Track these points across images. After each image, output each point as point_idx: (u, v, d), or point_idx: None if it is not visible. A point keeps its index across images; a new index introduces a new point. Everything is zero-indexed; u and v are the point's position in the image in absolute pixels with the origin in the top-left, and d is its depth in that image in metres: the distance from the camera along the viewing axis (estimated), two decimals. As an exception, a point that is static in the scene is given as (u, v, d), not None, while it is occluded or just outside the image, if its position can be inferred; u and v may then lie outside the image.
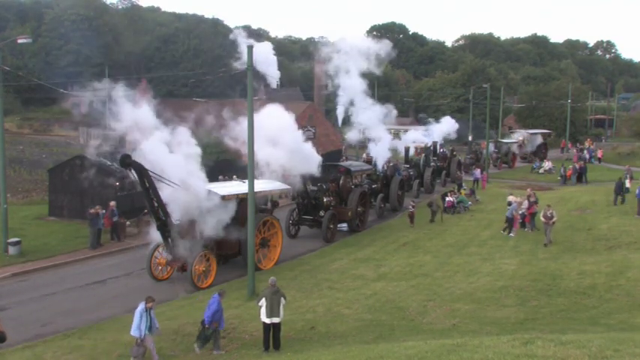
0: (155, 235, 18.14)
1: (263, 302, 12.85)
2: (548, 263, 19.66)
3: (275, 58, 27.71)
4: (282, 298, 12.85)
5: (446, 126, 44.04)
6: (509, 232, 24.04)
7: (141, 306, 12.27)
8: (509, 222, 24.27)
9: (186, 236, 18.03)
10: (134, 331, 12.17)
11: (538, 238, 23.49)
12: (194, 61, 71.60)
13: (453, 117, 47.24)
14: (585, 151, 53.86)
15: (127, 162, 16.11)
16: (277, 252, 21.31)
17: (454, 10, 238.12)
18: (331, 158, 39.29)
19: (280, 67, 28.84)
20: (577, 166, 41.57)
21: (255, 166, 18.05)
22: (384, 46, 31.46)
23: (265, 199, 22.95)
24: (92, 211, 22.84)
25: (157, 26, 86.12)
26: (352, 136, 34.04)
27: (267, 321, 12.80)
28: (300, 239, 25.38)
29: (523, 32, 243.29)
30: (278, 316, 12.75)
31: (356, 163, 31.47)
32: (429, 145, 40.58)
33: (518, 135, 55.98)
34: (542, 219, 22.04)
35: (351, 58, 30.12)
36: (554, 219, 21.74)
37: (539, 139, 55.09)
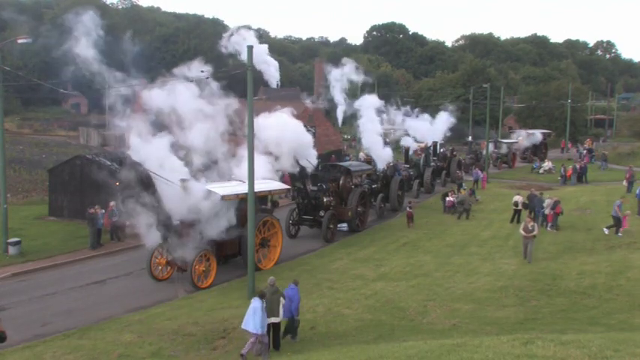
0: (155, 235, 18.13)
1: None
2: (548, 263, 19.67)
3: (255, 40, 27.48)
4: (282, 298, 12.87)
5: (444, 122, 43.61)
6: (617, 232, 22.71)
7: (257, 303, 12.27)
8: (617, 221, 22.84)
9: (186, 236, 18.01)
10: (256, 329, 12.15)
11: (547, 238, 23.52)
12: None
13: (453, 117, 46.99)
14: (584, 151, 53.97)
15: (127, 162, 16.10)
16: (277, 252, 21.29)
17: (454, 10, 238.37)
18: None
19: (280, 67, 28.81)
20: (577, 166, 41.54)
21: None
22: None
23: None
24: (91, 211, 22.84)
25: (157, 26, 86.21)
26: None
27: (267, 321, 12.81)
28: (300, 239, 25.38)
29: (523, 32, 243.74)
30: (277, 316, 12.78)
31: (356, 163, 31.47)
32: (429, 145, 40.57)
33: (518, 135, 55.90)
34: (522, 232, 19.94)
35: None
36: (535, 232, 19.82)
37: (538, 138, 54.84)
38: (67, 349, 13.34)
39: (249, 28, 27.37)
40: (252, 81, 17.03)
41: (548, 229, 24.46)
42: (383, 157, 31.90)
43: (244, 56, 17.98)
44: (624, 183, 31.63)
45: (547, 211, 24.74)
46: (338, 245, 24.38)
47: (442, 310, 15.50)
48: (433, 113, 44.96)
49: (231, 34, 25.47)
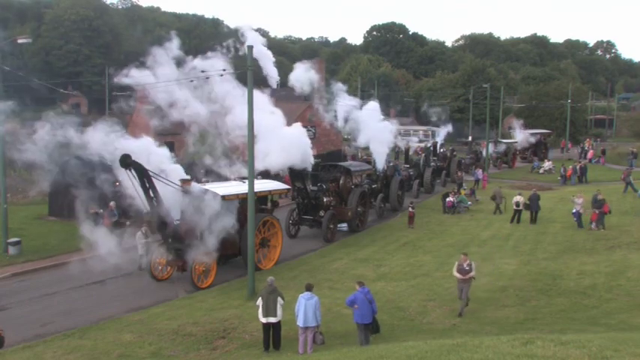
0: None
1: (260, 302, 12.86)
2: (548, 263, 19.68)
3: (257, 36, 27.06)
4: (280, 298, 12.80)
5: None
6: None
7: (315, 296, 12.53)
8: None
9: (186, 236, 18.01)
10: (318, 321, 12.41)
11: (547, 239, 23.51)
12: (194, 61, 71.79)
13: (452, 117, 46.75)
14: (584, 151, 54.07)
15: (127, 162, 16.06)
16: (277, 252, 21.28)
17: (454, 10, 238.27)
18: (331, 158, 39.26)
19: (280, 67, 28.66)
20: (577, 166, 41.52)
21: None
22: None
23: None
24: (92, 211, 22.81)
25: (156, 26, 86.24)
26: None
27: (264, 320, 12.80)
28: (300, 239, 25.37)
29: (523, 32, 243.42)
30: (274, 315, 12.72)
31: (356, 163, 31.47)
32: (428, 145, 40.57)
33: (517, 133, 55.54)
34: (457, 274, 15.07)
35: None
36: (473, 273, 15.02)
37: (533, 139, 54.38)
38: (67, 349, 13.35)
39: (249, 28, 27.11)
40: (252, 81, 17.03)
41: (593, 227, 24.23)
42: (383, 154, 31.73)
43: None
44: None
45: (575, 211, 24.88)
46: (338, 245, 24.38)
47: (442, 310, 15.50)
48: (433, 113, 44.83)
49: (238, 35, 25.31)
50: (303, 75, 26.90)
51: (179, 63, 20.00)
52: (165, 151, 18.59)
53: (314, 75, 27.16)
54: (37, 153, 17.18)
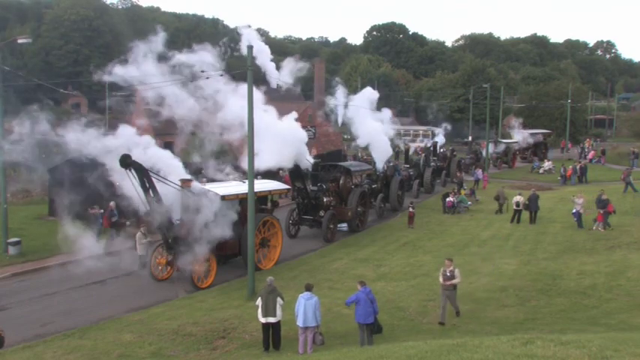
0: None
1: (259, 302, 12.85)
2: (548, 263, 19.68)
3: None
4: (279, 298, 12.79)
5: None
6: None
7: (315, 296, 12.49)
8: None
9: (186, 236, 18.00)
10: (318, 321, 12.36)
11: (547, 239, 23.48)
12: (194, 62, 71.79)
13: (452, 117, 46.61)
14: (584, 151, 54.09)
15: (127, 162, 16.05)
16: (277, 252, 21.28)
17: (454, 10, 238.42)
18: (331, 158, 39.26)
19: (280, 67, 28.61)
20: (577, 166, 41.51)
21: None
22: None
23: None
24: (92, 211, 22.82)
25: (156, 26, 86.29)
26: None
27: (263, 320, 12.80)
28: (300, 239, 25.36)
29: (523, 32, 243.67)
30: (273, 315, 12.71)
31: (356, 163, 31.46)
32: (428, 145, 40.57)
33: (517, 133, 55.53)
34: (440, 279, 14.75)
35: None
36: (457, 280, 14.63)
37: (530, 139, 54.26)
38: (67, 349, 13.34)
39: (246, 26, 27.01)
40: (252, 81, 17.03)
41: (599, 228, 24.00)
42: (383, 151, 31.46)
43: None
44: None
45: (574, 211, 24.81)
46: (338, 245, 24.37)
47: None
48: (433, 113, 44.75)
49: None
50: (293, 70, 26.65)
51: (166, 58, 19.62)
52: (149, 139, 18.38)
53: (303, 67, 26.79)
54: (15, 152, 17.03)
